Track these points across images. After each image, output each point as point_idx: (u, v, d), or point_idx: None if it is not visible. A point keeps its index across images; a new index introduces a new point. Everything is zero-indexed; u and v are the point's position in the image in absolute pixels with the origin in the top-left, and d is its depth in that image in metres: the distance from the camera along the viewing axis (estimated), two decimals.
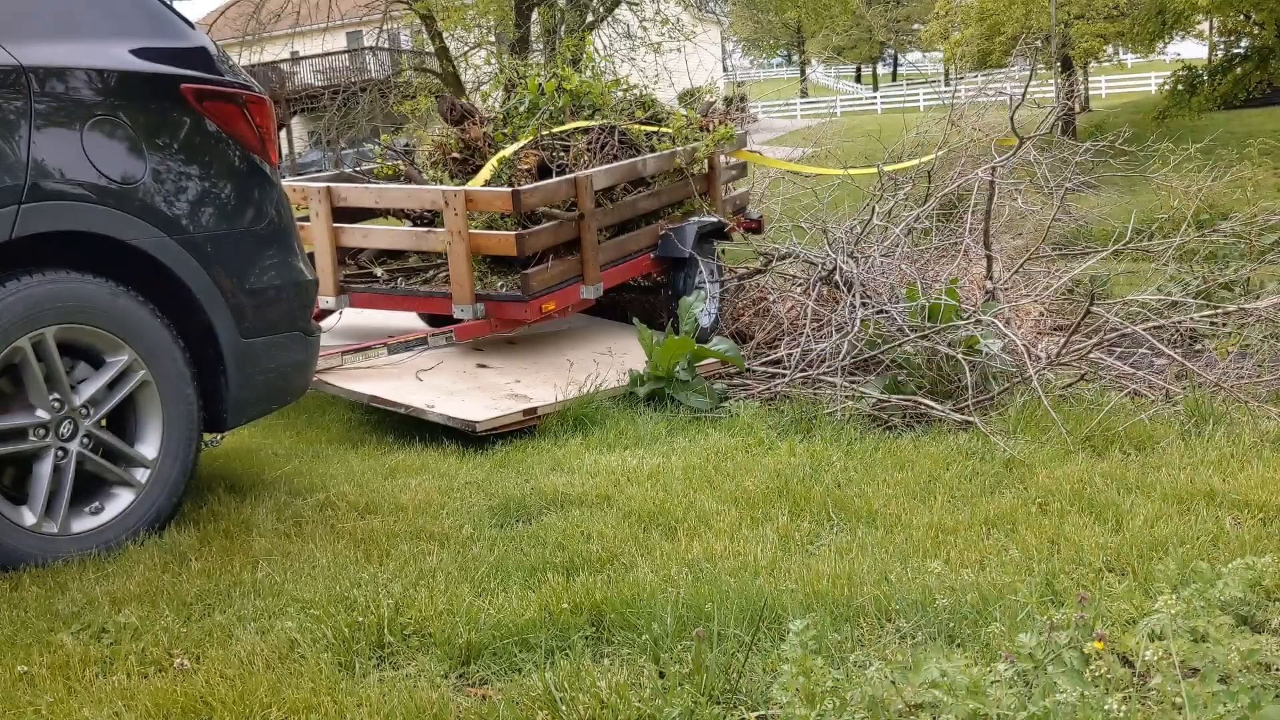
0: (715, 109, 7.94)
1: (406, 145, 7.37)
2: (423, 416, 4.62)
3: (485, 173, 5.97)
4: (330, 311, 5.58)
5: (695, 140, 6.82)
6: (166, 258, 3.08)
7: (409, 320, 6.40)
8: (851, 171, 8.70)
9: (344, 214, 5.84)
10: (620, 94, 7.27)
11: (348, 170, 6.97)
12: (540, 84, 6.81)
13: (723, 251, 7.12)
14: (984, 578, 2.57)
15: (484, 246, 5.50)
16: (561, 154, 6.25)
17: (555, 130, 6.40)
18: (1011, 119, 7.29)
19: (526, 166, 6.05)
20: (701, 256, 6.44)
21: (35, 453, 2.93)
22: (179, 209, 3.13)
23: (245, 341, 3.30)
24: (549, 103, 6.68)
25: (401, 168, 6.55)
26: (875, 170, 8.18)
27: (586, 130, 6.51)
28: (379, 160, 6.78)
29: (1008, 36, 26.51)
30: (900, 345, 5.13)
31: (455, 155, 6.46)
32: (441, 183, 6.20)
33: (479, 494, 3.57)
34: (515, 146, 6.18)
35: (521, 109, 6.79)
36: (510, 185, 5.70)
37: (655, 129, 6.82)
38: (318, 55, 27.07)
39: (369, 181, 6.43)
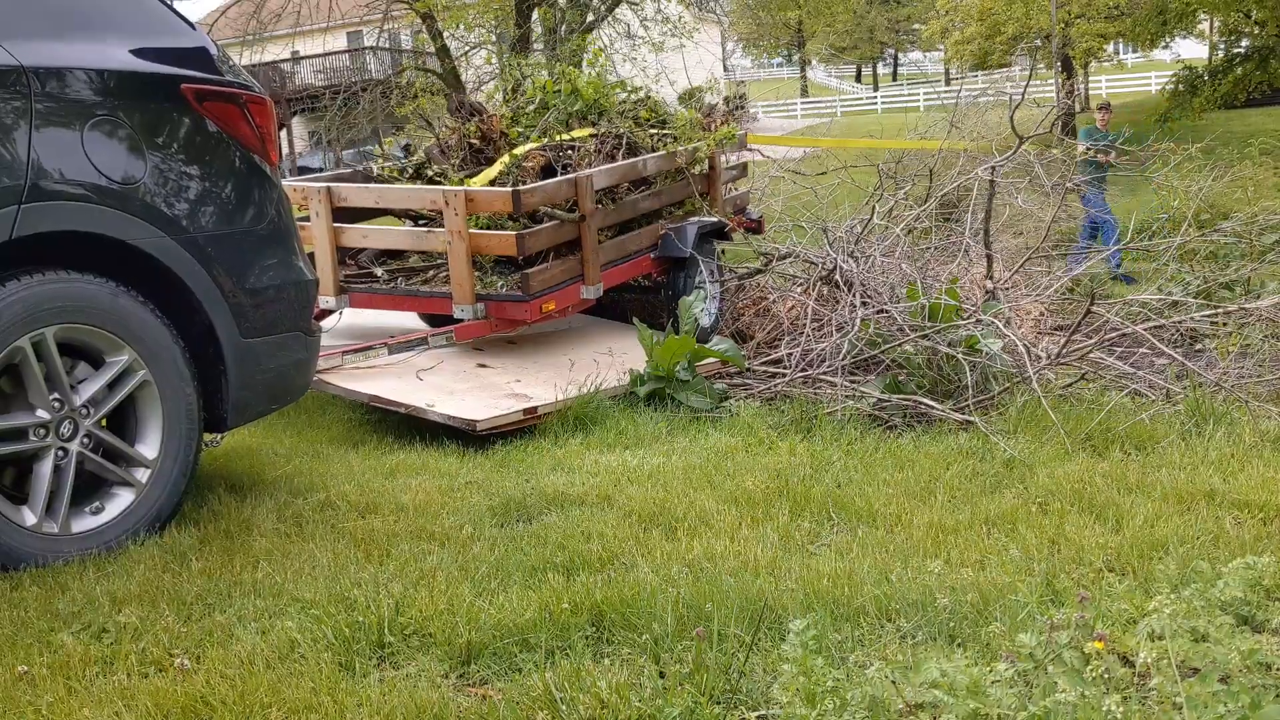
0: (717, 109, 7.93)
1: (406, 145, 7.37)
2: (423, 416, 4.62)
3: (495, 169, 5.98)
4: (330, 311, 5.58)
5: (697, 140, 6.82)
6: (167, 258, 3.08)
7: (409, 320, 6.40)
8: (870, 143, 8.68)
9: (344, 214, 5.84)
10: (625, 95, 7.27)
11: (359, 168, 6.96)
12: (556, 84, 6.80)
13: (723, 251, 7.12)
14: (984, 577, 2.57)
15: (484, 246, 5.50)
16: (569, 154, 6.25)
17: (566, 136, 6.39)
18: (1011, 119, 7.29)
19: (533, 166, 6.05)
20: (702, 256, 6.44)
21: (35, 453, 2.93)
22: (179, 209, 3.13)
23: (246, 341, 3.30)
24: (563, 103, 6.68)
25: (420, 157, 6.52)
26: (891, 144, 8.18)
27: (595, 135, 6.51)
28: (379, 160, 6.78)
29: (1008, 36, 26.52)
30: (900, 345, 5.13)
31: (473, 142, 6.44)
32: (455, 169, 6.20)
33: (479, 494, 3.57)
34: (527, 147, 6.18)
35: (530, 108, 6.79)
36: (515, 185, 5.71)
37: (659, 131, 6.82)
38: (318, 55, 27.07)
39: (376, 179, 6.42)
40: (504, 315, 5.47)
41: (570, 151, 6.26)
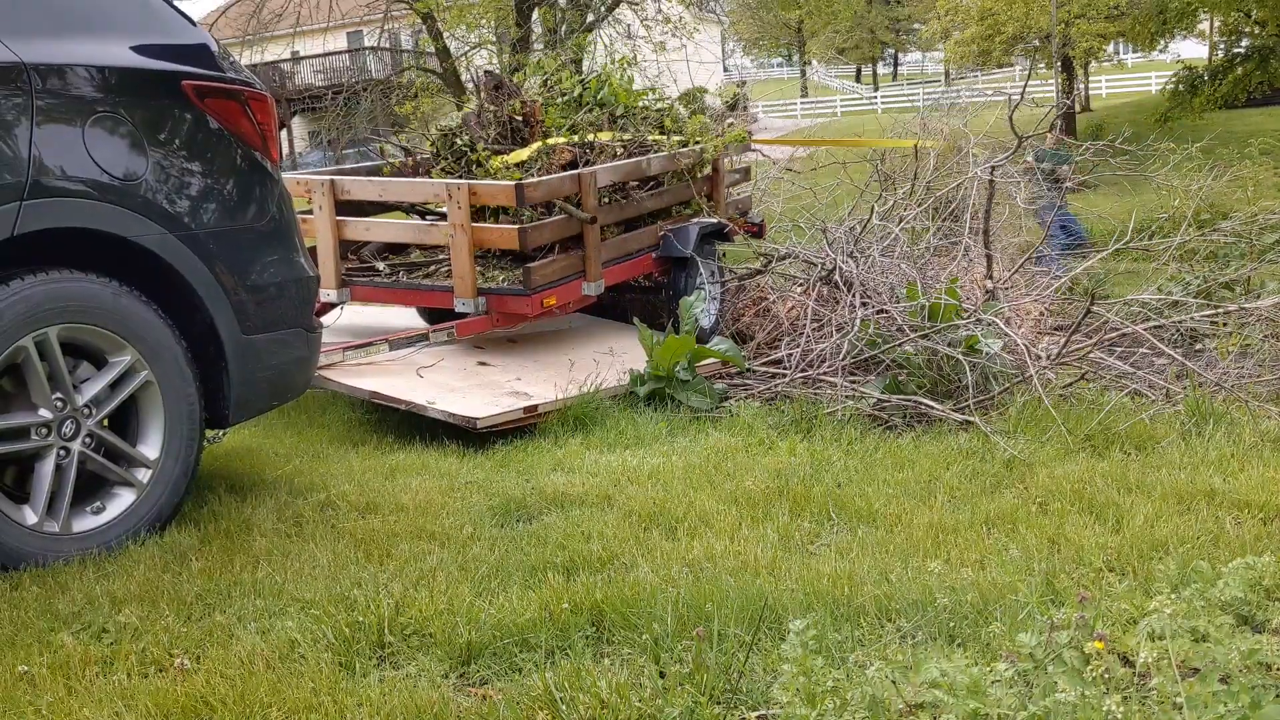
0: (724, 118, 7.93)
1: (404, 149, 7.37)
2: (423, 413, 4.62)
3: (527, 152, 5.98)
4: (333, 305, 5.58)
5: (704, 142, 6.82)
6: (168, 254, 3.09)
7: (410, 320, 6.41)
8: (865, 141, 8.69)
9: (347, 210, 5.85)
10: (652, 99, 7.26)
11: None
12: (600, 84, 6.80)
13: (724, 253, 7.12)
14: (984, 577, 2.57)
15: (487, 240, 5.50)
16: (599, 155, 6.25)
17: (595, 136, 6.38)
18: (1011, 119, 7.29)
19: (562, 160, 6.06)
20: (702, 257, 6.44)
21: (37, 452, 2.93)
22: (181, 206, 3.14)
23: (247, 338, 3.30)
24: (600, 102, 6.67)
25: (455, 122, 6.50)
26: (888, 143, 8.19)
27: (624, 142, 6.51)
28: (386, 152, 6.81)
29: (1008, 36, 26.51)
30: (900, 345, 5.13)
31: (517, 118, 6.40)
32: (487, 143, 6.19)
33: (479, 494, 3.57)
34: (559, 139, 6.18)
35: (561, 100, 6.79)
36: (540, 174, 5.72)
37: (681, 139, 6.82)
38: (318, 55, 27.07)
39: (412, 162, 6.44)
40: (505, 309, 5.47)
41: (600, 153, 6.25)
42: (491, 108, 6.49)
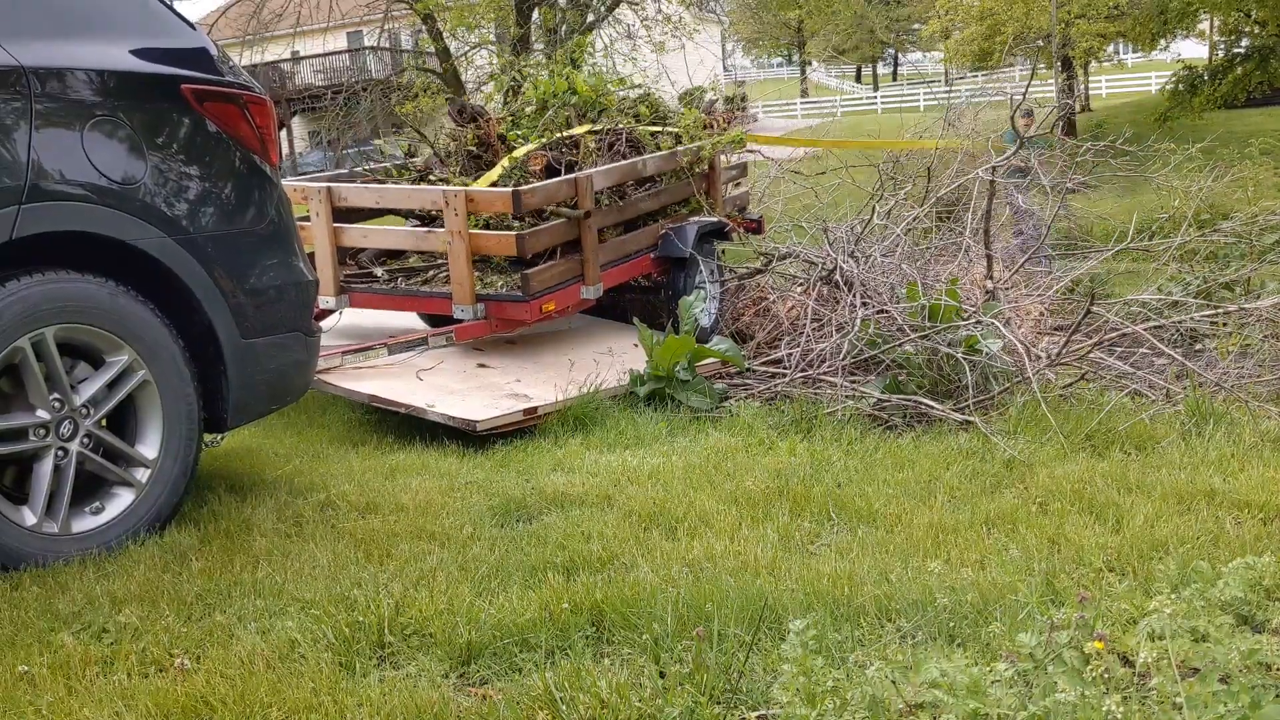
0: (716, 107, 7.94)
1: (410, 147, 7.38)
2: (423, 416, 4.62)
3: (495, 172, 5.98)
4: (330, 311, 5.58)
5: (699, 139, 6.82)
6: (167, 258, 3.09)
7: (409, 321, 6.40)
8: (869, 143, 8.69)
9: (344, 215, 5.84)
10: (624, 93, 7.27)
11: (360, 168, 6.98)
12: (552, 86, 6.81)
13: (723, 252, 7.13)
14: (984, 577, 2.57)
15: (485, 247, 5.50)
16: (572, 152, 6.25)
17: (565, 134, 6.39)
18: (1012, 119, 7.30)
19: (535, 168, 6.06)
20: (702, 256, 6.44)
21: (36, 453, 2.93)
22: (179, 209, 3.14)
23: (246, 342, 3.30)
24: (561, 101, 6.68)
25: (422, 165, 6.55)
26: (889, 144, 8.20)
27: (594, 132, 6.52)
28: (380, 154, 6.81)
29: (1008, 36, 26.49)
30: (900, 345, 5.13)
31: (471, 149, 6.45)
32: (455, 175, 6.21)
33: (479, 494, 3.57)
34: (526, 149, 6.19)
35: (529, 110, 6.80)
36: (516, 186, 5.71)
37: (660, 129, 6.82)
38: (318, 55, 27.09)
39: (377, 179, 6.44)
40: (504, 315, 5.47)
41: (573, 150, 6.25)
42: (452, 142, 6.52)
